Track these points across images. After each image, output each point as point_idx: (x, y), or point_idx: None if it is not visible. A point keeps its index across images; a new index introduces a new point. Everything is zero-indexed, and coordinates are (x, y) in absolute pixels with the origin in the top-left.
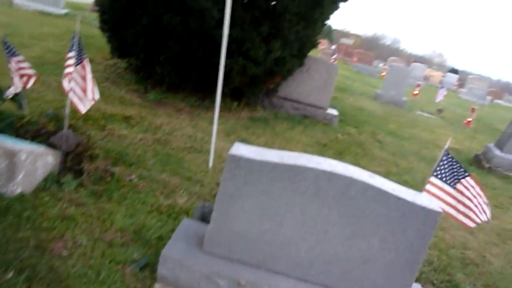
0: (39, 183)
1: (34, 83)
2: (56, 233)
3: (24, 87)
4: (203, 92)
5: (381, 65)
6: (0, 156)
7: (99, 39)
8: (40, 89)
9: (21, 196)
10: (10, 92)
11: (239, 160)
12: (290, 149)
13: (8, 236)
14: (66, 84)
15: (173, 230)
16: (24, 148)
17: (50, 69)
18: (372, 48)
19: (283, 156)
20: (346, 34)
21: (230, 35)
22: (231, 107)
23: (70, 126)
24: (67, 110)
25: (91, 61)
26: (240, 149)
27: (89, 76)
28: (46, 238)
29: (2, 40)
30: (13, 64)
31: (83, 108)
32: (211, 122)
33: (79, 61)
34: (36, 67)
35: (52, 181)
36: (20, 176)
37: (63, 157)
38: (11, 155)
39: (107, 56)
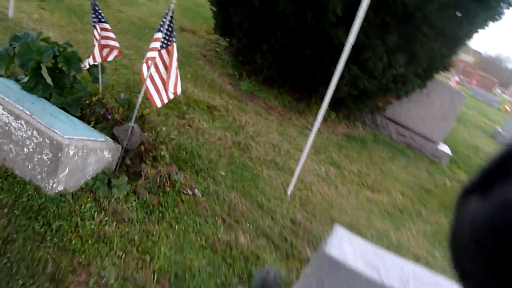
0: (88, 181)
1: (115, 57)
2: (83, 260)
3: (103, 60)
4: (300, 93)
5: (500, 92)
6: (46, 145)
7: (209, 9)
8: (132, 57)
9: (61, 196)
10: (87, 63)
11: (338, 266)
12: (385, 187)
13: (26, 252)
14: (145, 69)
15: (223, 286)
16: (75, 140)
17: (149, 35)
18: (492, 71)
19: (409, 275)
20: (465, 49)
21: (347, 36)
22: (328, 118)
23: (141, 117)
24: (139, 100)
25: (194, 32)
26: (342, 246)
27: (174, 64)
28: (68, 265)
29: (92, 3)
30: (98, 31)
31: (158, 102)
32: (301, 132)
33: (166, 45)
34: (136, 30)
35: (103, 181)
36: (63, 174)
37: (122, 154)
38: (57, 148)
39: (211, 30)
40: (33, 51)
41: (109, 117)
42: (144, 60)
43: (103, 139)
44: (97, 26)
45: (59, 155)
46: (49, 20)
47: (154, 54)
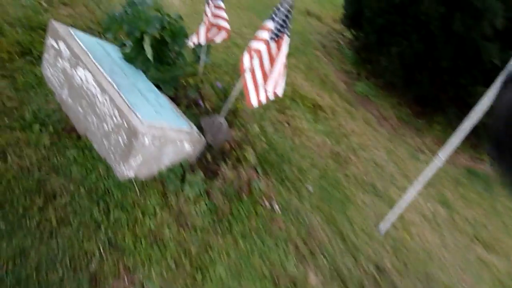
0: (162, 171)
1: (223, 40)
2: (129, 262)
3: (208, 41)
4: (423, 108)
5: None
6: (124, 128)
7: None
8: (248, 36)
9: (128, 183)
10: (193, 41)
11: None
12: (505, 248)
13: (77, 240)
14: (246, 60)
15: None
16: (154, 129)
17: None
18: None
19: None
20: None
21: (502, 54)
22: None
23: (234, 111)
24: (234, 93)
25: (319, 18)
26: None
27: (281, 60)
28: (112, 265)
29: None
30: (210, 9)
31: (254, 101)
32: (414, 155)
33: (276, 36)
34: (260, 8)
35: (177, 174)
36: (136, 161)
37: (204, 148)
38: (133, 134)
39: (338, 19)
40: (142, 19)
41: (201, 104)
42: (247, 50)
43: (187, 130)
44: (211, 2)
45: (134, 141)
46: None
47: (260, 45)
